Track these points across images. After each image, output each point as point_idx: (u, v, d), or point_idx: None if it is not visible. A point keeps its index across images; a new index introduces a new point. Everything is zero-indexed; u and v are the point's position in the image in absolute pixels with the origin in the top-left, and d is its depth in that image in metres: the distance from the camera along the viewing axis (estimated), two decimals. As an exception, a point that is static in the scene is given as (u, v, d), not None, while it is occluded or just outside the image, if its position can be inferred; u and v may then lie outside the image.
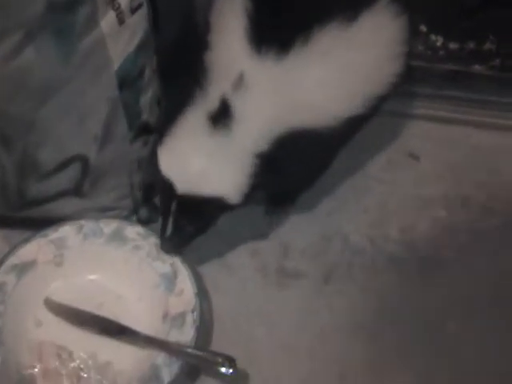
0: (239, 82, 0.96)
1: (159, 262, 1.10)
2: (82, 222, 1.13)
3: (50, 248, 1.11)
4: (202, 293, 1.08)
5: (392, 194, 1.22)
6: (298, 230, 1.19)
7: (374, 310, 1.10)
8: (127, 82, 1.07)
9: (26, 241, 1.10)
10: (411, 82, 1.27)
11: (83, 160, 1.07)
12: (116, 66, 1.04)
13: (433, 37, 1.35)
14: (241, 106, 0.97)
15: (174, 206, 1.03)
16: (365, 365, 1.04)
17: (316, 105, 0.98)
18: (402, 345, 1.05)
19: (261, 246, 1.17)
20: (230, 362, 0.98)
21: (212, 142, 0.99)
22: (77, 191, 1.10)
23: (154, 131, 1.15)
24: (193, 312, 1.04)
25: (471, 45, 1.36)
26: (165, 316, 1.06)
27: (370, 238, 1.18)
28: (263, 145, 0.99)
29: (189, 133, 1.01)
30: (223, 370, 0.98)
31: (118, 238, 1.12)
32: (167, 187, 1.01)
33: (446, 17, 1.38)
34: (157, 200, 1.17)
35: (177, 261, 1.09)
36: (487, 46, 1.36)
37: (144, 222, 1.16)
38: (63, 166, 1.06)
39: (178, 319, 1.05)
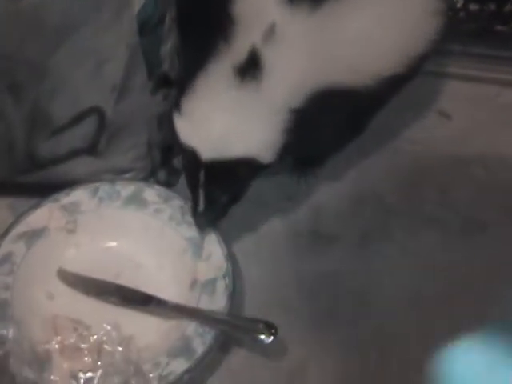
0: (270, 32, 0.89)
1: (184, 226, 1.02)
2: (97, 184, 1.04)
3: (62, 214, 1.03)
4: (232, 258, 0.99)
5: (426, 152, 1.16)
6: (328, 192, 1.12)
7: (415, 270, 1.04)
8: (147, 28, 0.99)
9: (36, 206, 1.02)
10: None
11: (100, 113, 0.99)
12: (136, 8, 0.97)
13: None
14: (272, 58, 0.89)
15: (201, 177, 0.93)
16: (410, 329, 0.98)
17: (352, 61, 0.92)
18: (444, 306, 1.00)
19: (290, 209, 1.10)
20: (271, 328, 0.91)
21: (239, 97, 0.90)
22: (91, 150, 1.03)
23: (174, 85, 1.07)
24: (224, 277, 0.96)
25: (492, 6, 1.33)
26: (193, 284, 0.98)
27: (407, 199, 1.12)
28: (296, 100, 0.92)
29: (211, 89, 0.92)
30: (263, 337, 0.90)
31: (136, 201, 1.04)
32: (190, 156, 0.92)
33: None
34: (176, 162, 1.11)
35: None
36: (508, 7, 1.32)
37: (162, 186, 1.07)
38: (78, 119, 0.99)
39: (209, 286, 0.97)
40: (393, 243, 1.07)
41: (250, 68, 0.89)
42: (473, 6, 1.33)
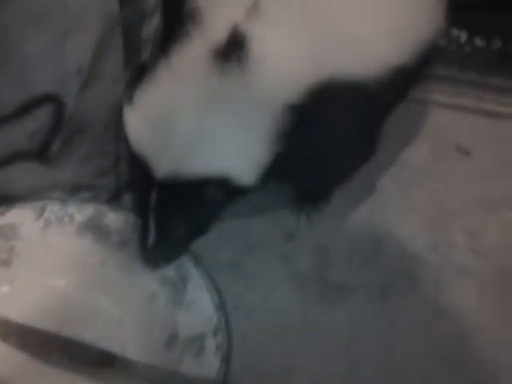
0: (254, 8, 0.72)
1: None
2: (43, 202, 0.85)
3: None
4: (224, 308, 0.82)
5: (447, 191, 1.03)
6: (335, 232, 0.97)
7: (450, 333, 0.90)
8: None
9: None
10: (451, 67, 1.15)
11: (57, 103, 0.80)
12: None
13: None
14: (259, 39, 0.71)
15: (153, 198, 0.74)
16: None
17: (357, 43, 0.76)
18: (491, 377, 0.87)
19: (292, 248, 0.94)
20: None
21: (214, 88, 0.71)
22: (40, 154, 0.83)
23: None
24: (215, 334, 0.79)
25: (497, 43, 1.22)
26: (171, 340, 0.80)
27: (432, 244, 0.97)
28: (293, 95, 0.72)
29: (176, 78, 0.72)
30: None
31: (95, 228, 0.86)
32: (140, 169, 0.73)
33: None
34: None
35: (186, 262, 0.84)
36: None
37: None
38: (25, 109, 0.79)
39: (194, 344, 0.79)
40: (419, 297, 0.93)
41: (232, 50, 0.71)
42: (479, 42, 1.23)
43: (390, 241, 0.97)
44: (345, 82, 0.75)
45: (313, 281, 0.92)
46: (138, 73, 0.81)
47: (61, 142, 0.82)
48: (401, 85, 0.85)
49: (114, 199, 0.89)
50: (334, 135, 0.80)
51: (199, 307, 0.80)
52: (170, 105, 0.72)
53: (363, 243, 0.96)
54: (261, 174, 0.75)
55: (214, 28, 0.72)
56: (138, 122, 0.73)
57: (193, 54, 0.72)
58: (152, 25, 0.83)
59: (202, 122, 0.71)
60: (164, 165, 0.72)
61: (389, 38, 0.79)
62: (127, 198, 0.90)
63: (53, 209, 0.84)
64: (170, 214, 0.75)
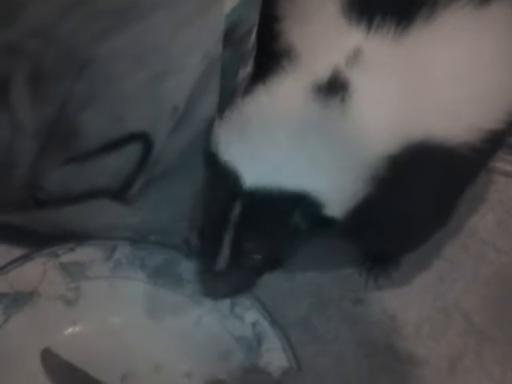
0: (355, 56, 0.72)
1: (233, 321, 0.79)
2: (115, 242, 0.81)
3: (60, 276, 0.79)
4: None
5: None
6: (404, 296, 0.93)
7: None
8: (232, 37, 0.74)
9: (24, 260, 0.78)
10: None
11: (146, 143, 0.74)
12: (228, 6, 0.71)
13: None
14: (360, 84, 0.71)
15: (235, 213, 0.68)
16: None
17: (449, 105, 0.75)
18: None
19: (360, 312, 0.91)
20: None
21: (315, 116, 0.70)
22: (120, 193, 0.78)
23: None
24: None
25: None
26: None
27: (498, 321, 0.93)
28: (391, 145, 0.71)
29: (274, 99, 0.71)
30: None
31: (166, 274, 0.81)
32: (225, 181, 0.69)
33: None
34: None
35: (261, 320, 0.79)
36: None
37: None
38: (114, 146, 0.74)
39: None
40: (487, 376, 0.89)
41: (335, 87, 0.70)
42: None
43: (457, 312, 0.93)
44: (437, 144, 0.73)
45: (381, 349, 0.88)
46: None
47: (142, 183, 0.77)
48: (489, 152, 0.83)
49: (183, 244, 0.84)
50: (417, 197, 0.77)
51: (274, 369, 0.75)
52: (266, 125, 0.69)
53: (431, 314, 0.92)
54: (345, 212, 0.70)
55: (314, 67, 0.72)
56: (229, 134, 0.70)
57: (293, 83, 0.71)
58: (247, 69, 0.79)
59: (301, 142, 0.68)
60: (254, 175, 0.68)
61: (483, 102, 0.77)
62: (192, 241, 0.85)
63: (124, 250, 0.80)
64: (250, 235, 0.70)
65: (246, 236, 0.69)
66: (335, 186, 0.70)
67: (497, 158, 1.04)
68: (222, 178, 0.69)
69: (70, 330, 0.78)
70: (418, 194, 0.77)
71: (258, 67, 0.81)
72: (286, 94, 0.71)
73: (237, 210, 0.68)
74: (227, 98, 0.78)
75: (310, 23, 0.77)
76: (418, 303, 0.93)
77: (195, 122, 0.76)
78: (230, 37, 0.74)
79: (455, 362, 0.89)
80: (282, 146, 0.68)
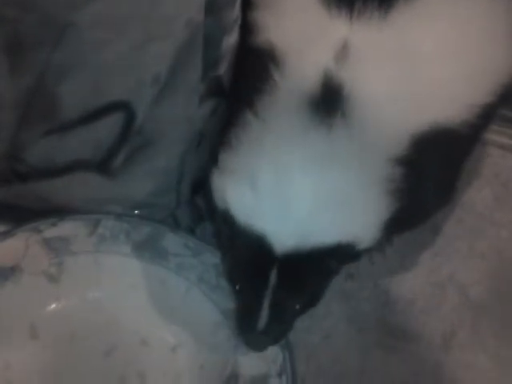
0: (344, 51, 0.66)
1: (220, 293, 0.76)
2: (98, 216, 0.79)
3: (43, 251, 0.77)
4: (290, 348, 0.74)
5: (509, 239, 0.97)
6: (396, 271, 0.92)
7: None
8: (215, 7, 0.72)
9: (5, 236, 0.76)
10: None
11: (128, 112, 0.72)
12: None
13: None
14: (356, 87, 0.66)
15: (273, 278, 0.66)
16: None
17: (443, 87, 0.71)
18: None
19: (352, 288, 0.89)
20: None
21: (320, 146, 0.65)
22: (103, 166, 0.76)
23: (227, 97, 0.80)
24: (280, 375, 0.71)
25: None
26: (230, 379, 0.73)
27: (495, 294, 0.92)
28: (400, 145, 0.68)
29: (272, 135, 0.66)
30: None
31: (152, 249, 0.79)
32: (252, 247, 0.66)
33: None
34: (200, 200, 0.85)
35: None
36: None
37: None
38: (94, 116, 0.72)
39: None
40: (482, 351, 0.87)
41: (330, 102, 0.65)
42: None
43: (452, 285, 0.92)
44: (439, 128, 0.70)
45: (373, 325, 0.86)
46: (211, 87, 0.78)
47: (125, 155, 0.75)
48: (484, 126, 0.81)
49: (169, 218, 0.83)
50: (425, 184, 0.75)
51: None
52: (275, 168, 0.65)
53: (425, 286, 0.91)
54: (380, 233, 0.68)
55: (302, 75, 0.66)
56: (241, 193, 0.66)
57: (285, 107, 0.66)
58: (231, 38, 0.77)
59: (318, 185, 0.65)
60: (286, 238, 0.65)
61: (474, 77, 0.74)
62: (182, 217, 0.84)
63: (107, 224, 0.78)
64: (291, 292, 0.68)
65: (285, 296, 0.67)
66: (366, 222, 0.68)
67: (492, 131, 1.03)
68: (246, 239, 0.66)
69: (54, 305, 0.77)
70: (426, 180, 0.74)
71: (241, 70, 0.77)
72: (281, 121, 0.66)
73: (274, 275, 0.65)
74: (211, 68, 0.76)
75: (285, 15, 0.72)
76: (411, 278, 0.91)
77: (179, 91, 0.74)
78: (213, 5, 0.72)
79: (449, 337, 0.87)
80: (302, 196, 0.64)
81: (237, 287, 0.69)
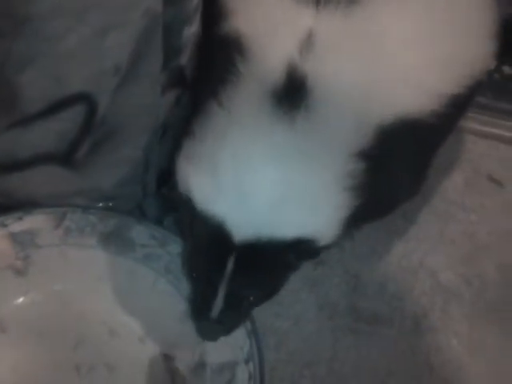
0: (308, 42, 0.65)
1: (186, 283, 0.75)
2: (64, 209, 0.78)
3: (9, 246, 0.77)
4: (256, 335, 0.74)
5: (479, 223, 0.99)
6: (367, 257, 0.92)
7: (482, 371, 0.85)
8: None
9: None
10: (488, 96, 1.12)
11: (89, 104, 0.72)
12: None
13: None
14: (319, 77, 0.65)
15: (229, 266, 0.66)
16: None
17: (410, 75, 0.70)
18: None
19: (321, 275, 0.89)
20: None
21: (283, 138, 0.65)
22: (66, 158, 0.75)
23: (190, 87, 0.80)
24: (247, 362, 0.71)
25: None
26: (198, 367, 0.74)
27: (465, 278, 0.93)
28: (364, 138, 0.67)
29: (236, 127, 0.66)
30: None
31: (119, 240, 0.79)
32: (211, 233, 0.66)
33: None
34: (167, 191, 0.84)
35: None
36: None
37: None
38: (56, 108, 0.71)
39: (224, 373, 0.72)
40: (453, 334, 0.88)
41: (294, 94, 0.65)
42: (508, 70, 1.20)
43: (423, 271, 0.92)
44: (406, 119, 0.69)
45: (343, 310, 0.87)
46: (174, 76, 0.78)
47: (88, 147, 0.74)
48: (455, 117, 0.80)
49: (136, 209, 0.83)
50: (393, 175, 0.74)
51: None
52: (237, 158, 0.65)
53: (396, 271, 0.91)
54: (342, 229, 0.68)
55: (267, 65, 0.66)
56: (203, 181, 0.66)
57: (250, 98, 0.66)
58: (192, 28, 0.77)
59: (279, 177, 0.64)
60: (245, 227, 0.64)
61: (442, 67, 0.73)
62: (149, 208, 0.83)
63: (73, 217, 0.78)
64: (245, 282, 0.68)
65: (241, 285, 0.67)
66: (327, 219, 0.67)
67: (464, 117, 1.04)
68: (205, 227, 0.66)
69: (21, 299, 0.77)
70: (393, 173, 0.74)
71: (206, 60, 0.76)
72: (245, 112, 0.66)
73: (230, 263, 0.65)
74: (172, 57, 0.76)
75: (252, 2, 0.71)
76: (382, 263, 0.91)
77: (140, 81, 0.74)
78: (172, -7, 0.72)
79: (420, 321, 0.88)
80: (264, 188, 0.64)
81: (194, 275, 0.69)
